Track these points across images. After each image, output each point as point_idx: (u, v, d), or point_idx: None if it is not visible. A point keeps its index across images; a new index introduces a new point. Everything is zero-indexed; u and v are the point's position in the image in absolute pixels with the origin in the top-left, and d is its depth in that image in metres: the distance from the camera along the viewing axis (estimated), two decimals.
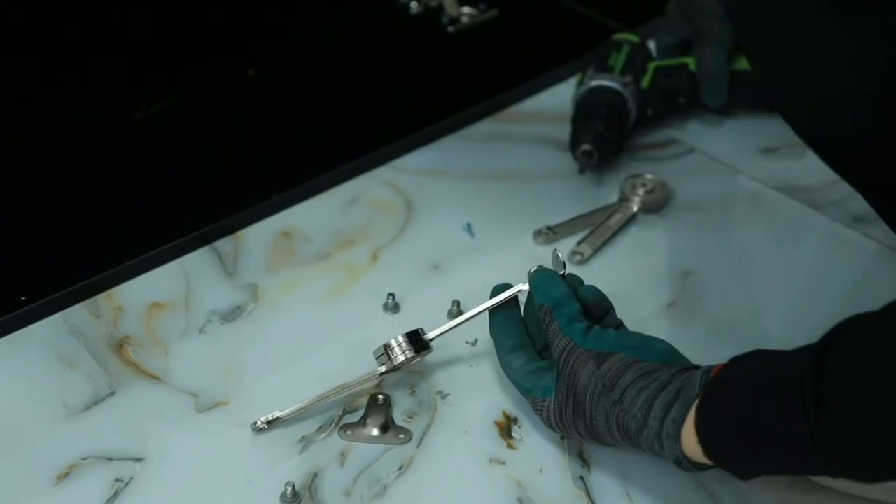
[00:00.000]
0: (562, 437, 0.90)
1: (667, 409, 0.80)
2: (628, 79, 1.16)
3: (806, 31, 0.81)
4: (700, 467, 0.80)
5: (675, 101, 1.19)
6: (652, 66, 1.19)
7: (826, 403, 0.70)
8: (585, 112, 1.14)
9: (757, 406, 0.75)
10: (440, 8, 1.34)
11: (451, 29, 1.33)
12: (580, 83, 1.18)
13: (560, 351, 0.86)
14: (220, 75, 1.26)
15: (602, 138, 1.12)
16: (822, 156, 0.87)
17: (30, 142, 1.16)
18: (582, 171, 1.12)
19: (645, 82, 1.18)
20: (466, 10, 1.34)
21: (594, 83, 1.16)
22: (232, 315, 1.00)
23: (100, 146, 1.16)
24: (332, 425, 0.91)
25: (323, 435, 0.91)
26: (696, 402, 0.78)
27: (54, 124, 1.18)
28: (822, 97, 0.83)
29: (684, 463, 0.79)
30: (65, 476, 0.88)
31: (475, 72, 1.27)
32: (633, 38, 1.20)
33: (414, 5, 1.35)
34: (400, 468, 0.89)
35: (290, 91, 1.24)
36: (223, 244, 1.07)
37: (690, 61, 1.18)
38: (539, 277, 0.90)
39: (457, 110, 1.20)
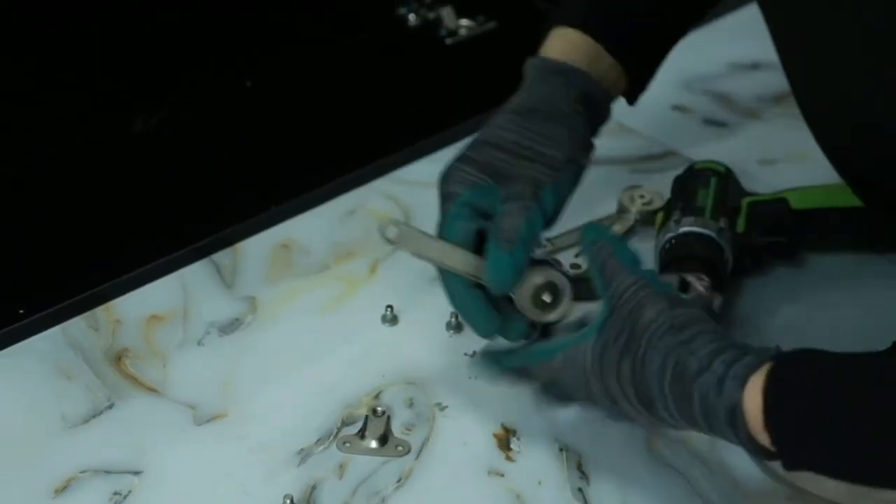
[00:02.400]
0: (563, 401, 0.86)
1: (738, 357, 0.75)
2: (723, 223, 0.99)
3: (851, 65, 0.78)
4: (748, 440, 0.74)
5: (776, 244, 1.02)
6: (745, 202, 1.04)
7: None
8: (677, 268, 0.97)
9: (846, 399, 0.71)
10: (438, 20, 1.35)
11: (449, 41, 1.33)
12: (662, 226, 1.03)
13: (624, 287, 0.81)
14: (218, 86, 1.26)
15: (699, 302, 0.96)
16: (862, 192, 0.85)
17: (29, 153, 1.16)
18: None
19: (740, 225, 1.01)
20: (464, 22, 1.35)
21: (683, 229, 0.99)
22: (230, 327, 1.00)
23: (99, 157, 1.16)
24: (331, 438, 0.91)
25: (321, 447, 0.91)
26: (770, 364, 0.74)
27: (54, 135, 1.18)
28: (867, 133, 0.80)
29: (738, 414, 0.74)
30: (63, 489, 0.87)
31: (473, 84, 1.28)
32: (720, 167, 1.06)
33: (412, 17, 1.36)
34: (399, 480, 0.89)
35: (289, 102, 1.24)
36: (222, 256, 1.07)
37: (792, 196, 1.04)
38: (591, 227, 0.88)
39: (455, 122, 1.21)
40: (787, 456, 0.74)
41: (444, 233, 0.89)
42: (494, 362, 0.87)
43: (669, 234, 1.00)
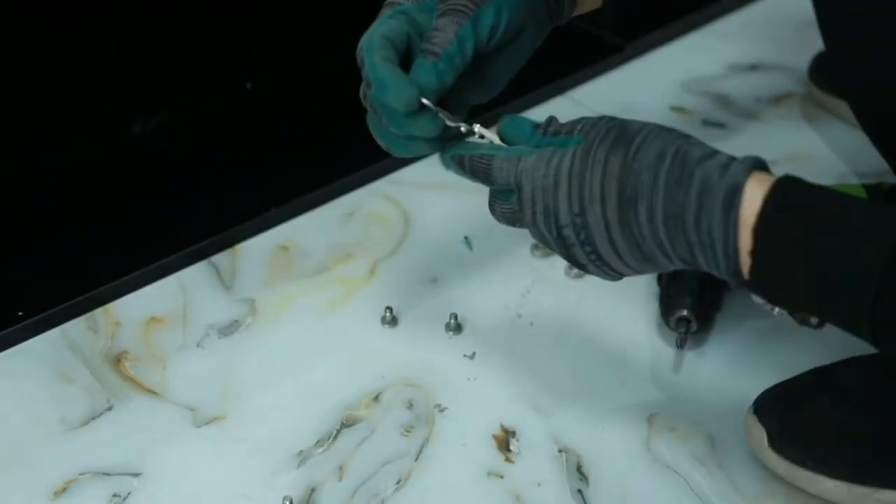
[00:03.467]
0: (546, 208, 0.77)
1: (742, 157, 0.73)
2: None
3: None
4: (734, 230, 0.71)
5: None
6: None
7: None
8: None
9: (838, 233, 0.69)
10: None
11: None
12: None
13: (591, 120, 0.77)
14: (218, 88, 1.26)
15: (702, 301, 0.96)
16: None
17: (27, 156, 1.16)
18: (681, 345, 0.96)
19: None
20: None
21: None
22: (230, 329, 1.00)
23: (97, 160, 1.16)
24: (330, 439, 0.91)
25: (321, 449, 0.91)
26: (775, 178, 0.71)
27: (53, 137, 1.18)
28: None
29: (738, 196, 0.70)
30: (62, 491, 0.87)
31: None
32: None
33: None
34: (398, 482, 0.89)
35: (289, 104, 1.24)
36: (221, 258, 1.07)
37: None
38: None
39: None
40: (758, 266, 0.71)
41: (373, 30, 0.81)
42: (457, 153, 0.80)
43: None
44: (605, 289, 1.02)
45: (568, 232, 0.76)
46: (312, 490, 0.88)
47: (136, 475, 0.89)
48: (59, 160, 1.15)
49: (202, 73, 1.28)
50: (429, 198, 1.14)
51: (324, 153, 1.18)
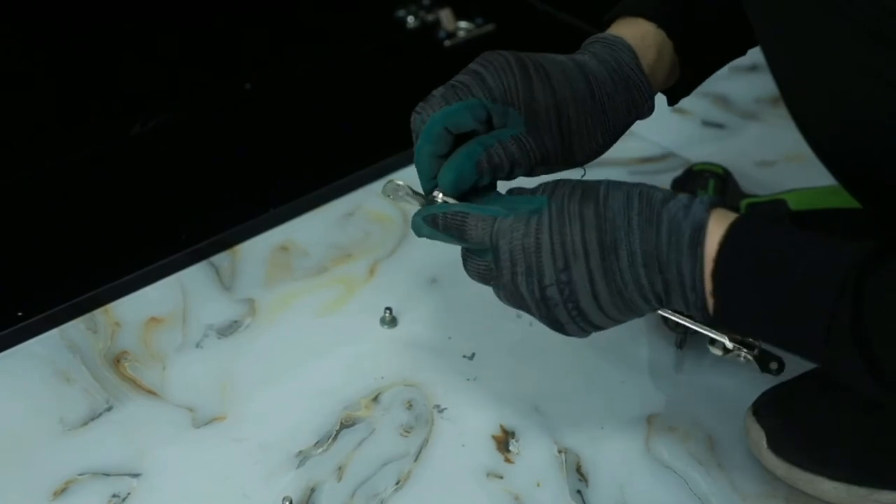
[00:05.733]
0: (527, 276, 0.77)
1: (696, 196, 0.76)
2: None
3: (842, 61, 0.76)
4: (700, 267, 0.74)
5: None
6: (743, 203, 1.04)
7: (865, 300, 0.69)
8: None
9: (791, 265, 0.72)
10: (437, 22, 1.35)
11: (447, 43, 1.33)
12: None
13: (551, 182, 0.79)
14: (217, 89, 1.26)
15: None
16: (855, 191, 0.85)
17: (27, 157, 1.16)
18: (681, 345, 0.98)
19: None
20: (463, 24, 1.35)
21: None
22: (229, 329, 1.00)
23: (97, 161, 1.16)
24: (329, 440, 0.91)
25: (320, 449, 0.91)
26: (731, 220, 0.74)
27: (52, 140, 1.18)
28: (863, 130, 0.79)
29: (702, 232, 0.73)
30: (62, 491, 0.87)
31: None
32: (718, 168, 1.07)
33: (411, 20, 1.36)
34: (397, 482, 0.89)
35: (288, 105, 1.24)
36: (220, 259, 1.07)
37: (791, 198, 1.04)
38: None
39: None
40: (719, 305, 0.74)
41: (441, 115, 0.81)
42: (430, 212, 0.81)
43: None
44: None
45: (552, 291, 0.77)
46: (312, 490, 0.88)
47: (135, 475, 0.88)
48: (57, 161, 1.15)
49: (201, 74, 1.28)
50: None
51: (323, 154, 1.18)
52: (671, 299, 0.76)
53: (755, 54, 1.26)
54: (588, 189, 0.77)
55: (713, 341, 0.83)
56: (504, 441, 0.91)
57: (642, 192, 0.76)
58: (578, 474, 0.89)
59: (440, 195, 0.81)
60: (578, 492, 0.88)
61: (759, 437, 0.88)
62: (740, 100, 1.27)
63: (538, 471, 0.90)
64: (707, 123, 1.24)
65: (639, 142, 1.20)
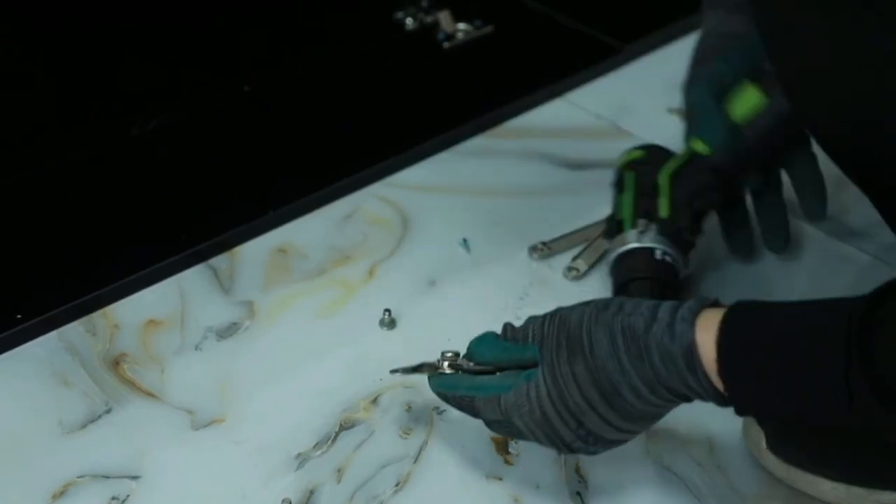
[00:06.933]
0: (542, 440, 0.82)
1: (677, 305, 0.77)
2: (640, 226, 0.97)
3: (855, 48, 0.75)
4: (706, 380, 0.75)
5: (709, 205, 0.99)
6: (663, 176, 0.99)
7: (872, 356, 0.69)
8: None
9: (793, 342, 0.73)
10: (436, 24, 1.35)
11: (446, 45, 1.33)
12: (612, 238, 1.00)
13: (537, 326, 0.82)
14: (216, 90, 1.26)
15: None
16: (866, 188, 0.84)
17: (26, 159, 1.16)
18: None
19: (663, 210, 0.97)
20: (462, 26, 1.35)
21: (615, 254, 0.98)
22: (228, 332, 1.00)
23: (95, 163, 1.16)
24: (329, 442, 0.91)
25: (319, 451, 0.91)
26: (720, 317, 0.75)
27: (51, 140, 1.18)
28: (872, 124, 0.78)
29: (694, 353, 0.75)
30: (61, 494, 0.87)
31: (470, 88, 1.28)
32: (636, 153, 1.02)
33: (409, 21, 1.36)
34: (397, 484, 0.89)
35: (286, 107, 1.24)
36: (219, 261, 1.07)
37: (699, 144, 0.99)
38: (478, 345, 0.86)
39: (452, 126, 1.21)
40: (736, 397, 0.75)
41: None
42: (439, 391, 0.86)
43: (612, 253, 0.99)
44: (604, 290, 1.02)
45: (578, 444, 0.81)
46: (311, 492, 0.88)
47: (134, 478, 0.88)
48: (57, 163, 1.15)
49: (200, 75, 1.28)
50: (427, 200, 1.14)
51: (322, 155, 1.18)
52: (692, 399, 0.78)
53: None
54: (571, 341, 0.79)
55: None
56: (503, 443, 0.91)
57: (624, 325, 0.78)
58: (578, 476, 0.89)
59: (445, 364, 0.86)
60: (578, 493, 0.88)
61: (758, 437, 0.88)
62: None
63: (538, 472, 0.90)
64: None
65: (637, 143, 1.20)
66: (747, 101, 0.97)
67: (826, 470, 0.86)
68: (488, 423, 0.85)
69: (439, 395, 0.87)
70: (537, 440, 0.82)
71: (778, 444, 0.88)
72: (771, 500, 0.88)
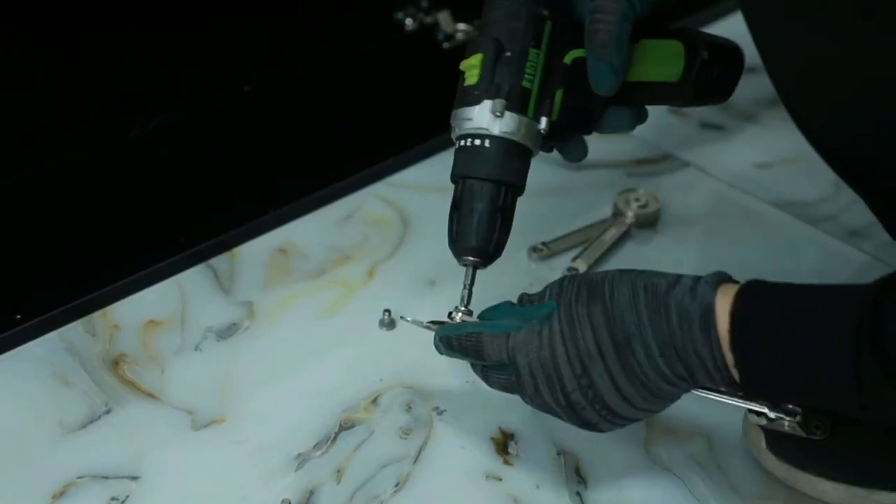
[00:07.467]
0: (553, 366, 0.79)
1: (699, 277, 0.77)
2: (543, 124, 0.84)
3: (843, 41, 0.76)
4: (717, 346, 0.74)
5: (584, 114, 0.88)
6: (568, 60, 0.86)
7: (883, 335, 0.69)
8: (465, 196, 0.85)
9: (805, 319, 0.73)
10: (436, 25, 1.35)
11: (446, 45, 1.33)
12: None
13: (556, 283, 0.81)
14: (216, 91, 1.26)
15: (488, 241, 0.85)
16: (849, 177, 0.85)
17: (25, 159, 1.16)
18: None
19: (555, 113, 0.85)
20: (462, 26, 1.35)
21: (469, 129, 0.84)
22: (228, 332, 1.00)
23: (95, 163, 1.16)
24: (328, 442, 0.91)
25: (319, 452, 0.91)
26: (736, 290, 0.75)
27: (51, 140, 1.18)
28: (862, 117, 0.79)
29: (711, 314, 0.74)
30: (61, 494, 0.87)
31: None
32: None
33: (409, 22, 1.36)
34: (397, 485, 0.89)
35: (287, 107, 1.24)
36: (219, 261, 1.07)
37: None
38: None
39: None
40: (744, 375, 0.75)
41: None
42: (444, 334, 0.84)
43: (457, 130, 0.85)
44: None
45: (576, 396, 0.79)
46: (311, 493, 0.88)
47: (134, 478, 0.88)
48: (57, 163, 1.15)
49: (200, 76, 1.28)
50: (427, 200, 1.14)
51: (322, 156, 1.18)
52: (697, 380, 0.77)
53: (753, 56, 1.26)
54: (592, 288, 0.79)
55: (758, 413, 0.84)
56: (503, 443, 0.91)
57: (647, 283, 0.77)
58: (577, 476, 0.89)
59: (458, 315, 0.85)
60: (578, 493, 0.88)
61: (758, 438, 0.88)
62: (738, 102, 1.27)
63: (537, 473, 0.90)
64: (705, 125, 1.24)
65: (636, 143, 1.20)
66: None
67: (826, 470, 0.86)
68: (488, 371, 0.83)
69: (443, 340, 0.84)
70: (535, 388, 0.80)
71: (778, 445, 0.88)
72: (771, 501, 0.88)
